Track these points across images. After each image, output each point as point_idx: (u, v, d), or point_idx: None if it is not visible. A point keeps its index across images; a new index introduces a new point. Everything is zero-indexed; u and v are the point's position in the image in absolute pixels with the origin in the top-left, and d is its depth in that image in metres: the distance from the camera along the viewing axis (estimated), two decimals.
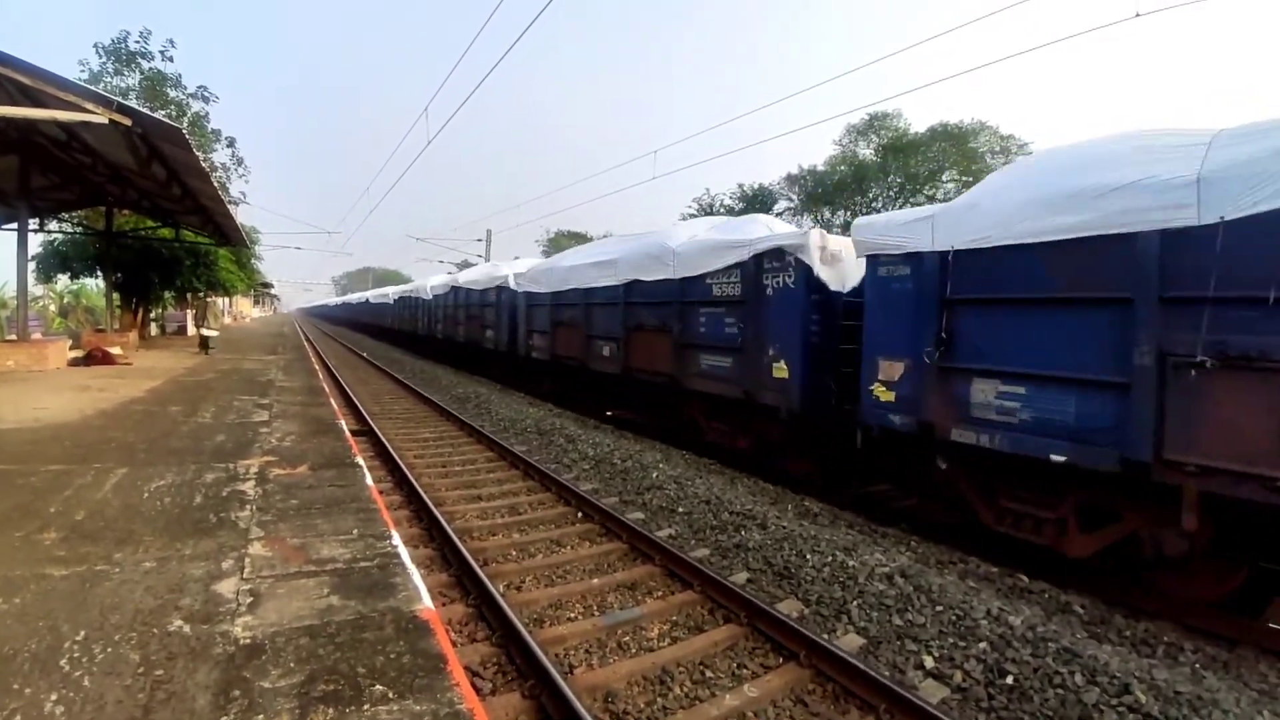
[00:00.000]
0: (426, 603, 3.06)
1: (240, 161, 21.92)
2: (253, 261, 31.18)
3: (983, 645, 3.88)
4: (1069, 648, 3.78)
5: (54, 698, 2.18)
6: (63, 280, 23.93)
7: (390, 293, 35.12)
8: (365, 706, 2.22)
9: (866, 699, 3.42)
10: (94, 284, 26.71)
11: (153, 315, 25.29)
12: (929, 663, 3.82)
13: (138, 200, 15.64)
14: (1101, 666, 3.59)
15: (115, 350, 13.77)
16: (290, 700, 2.23)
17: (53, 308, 28.85)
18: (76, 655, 2.44)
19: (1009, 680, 3.58)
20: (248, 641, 2.60)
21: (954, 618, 4.19)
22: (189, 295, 24.04)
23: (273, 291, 71.60)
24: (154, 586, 3.05)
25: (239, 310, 49.99)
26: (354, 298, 59.45)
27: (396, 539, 3.85)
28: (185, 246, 19.51)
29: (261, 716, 2.14)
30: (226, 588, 3.08)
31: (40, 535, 3.62)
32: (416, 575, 3.36)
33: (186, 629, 2.68)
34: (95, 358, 12.94)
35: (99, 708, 2.15)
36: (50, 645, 2.50)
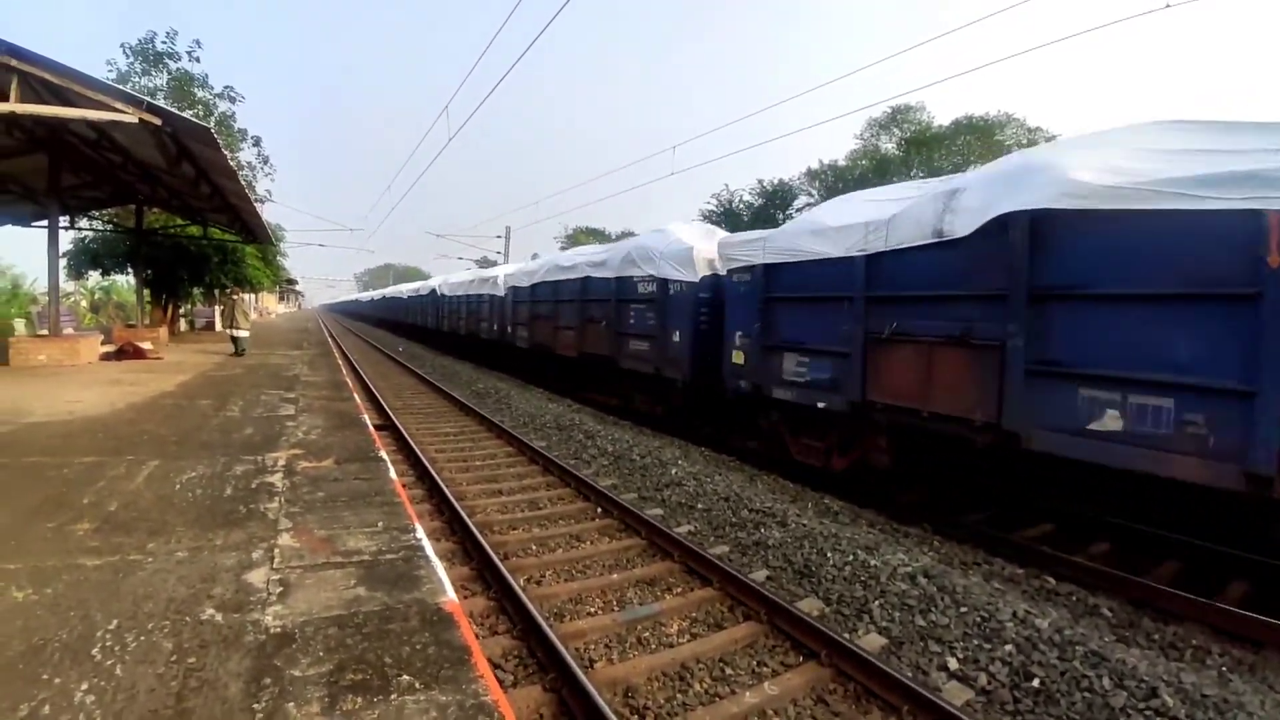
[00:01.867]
0: (450, 595, 3.08)
1: (266, 160, 22.28)
2: (278, 258, 31.66)
3: (1008, 647, 3.82)
4: (1097, 651, 3.71)
5: (85, 687, 2.22)
6: (94, 276, 24.53)
7: (500, 276, 19.04)
8: (393, 696, 2.25)
9: (889, 700, 3.39)
10: (125, 280, 27.37)
11: (182, 311, 25.82)
12: (953, 664, 3.77)
13: (167, 198, 15.96)
14: (1129, 670, 3.52)
15: (146, 345, 14.07)
16: (320, 689, 2.27)
17: (84, 303, 29.53)
18: (109, 644, 2.49)
19: (1035, 683, 3.52)
20: (278, 631, 2.65)
21: (979, 619, 4.13)
22: (216, 291, 24.45)
23: (297, 288, 71.55)
24: (186, 576, 3.12)
25: (264, 306, 50.66)
26: (405, 288, 41.93)
27: (420, 532, 3.90)
28: (213, 244, 19.89)
29: (292, 704, 2.18)
30: (257, 578, 3.14)
31: (73, 526, 3.71)
32: (440, 568, 3.40)
33: (218, 618, 2.73)
34: (126, 352, 13.25)
35: (131, 696, 2.19)
36: (82, 634, 2.55)
